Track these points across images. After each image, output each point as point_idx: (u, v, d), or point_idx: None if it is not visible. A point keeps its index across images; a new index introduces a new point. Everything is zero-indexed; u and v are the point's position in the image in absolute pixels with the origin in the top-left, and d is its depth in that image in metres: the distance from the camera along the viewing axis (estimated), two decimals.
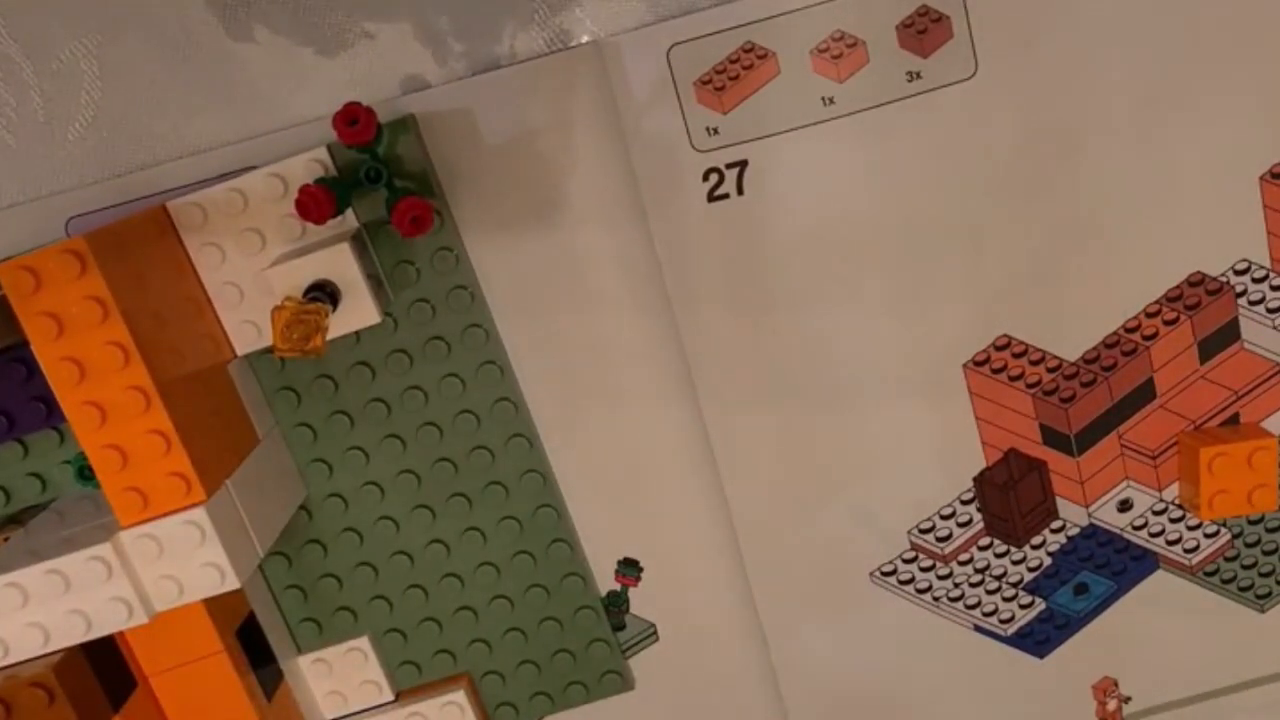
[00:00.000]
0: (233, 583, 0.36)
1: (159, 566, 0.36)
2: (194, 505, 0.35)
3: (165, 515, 0.35)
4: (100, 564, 0.35)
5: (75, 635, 0.36)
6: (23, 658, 0.36)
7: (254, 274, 0.39)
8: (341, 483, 0.42)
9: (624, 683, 0.44)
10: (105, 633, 0.36)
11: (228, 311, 0.39)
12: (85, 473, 0.38)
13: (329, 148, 0.38)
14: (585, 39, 0.38)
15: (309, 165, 0.38)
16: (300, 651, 0.44)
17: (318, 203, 0.36)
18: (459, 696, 0.43)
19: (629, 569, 0.43)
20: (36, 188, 0.40)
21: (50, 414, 0.39)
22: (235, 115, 0.39)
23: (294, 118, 0.39)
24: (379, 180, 0.38)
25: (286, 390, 0.41)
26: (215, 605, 0.38)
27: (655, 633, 0.44)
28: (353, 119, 0.35)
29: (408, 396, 0.41)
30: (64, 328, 0.34)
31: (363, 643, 0.43)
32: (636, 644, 0.44)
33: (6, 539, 0.40)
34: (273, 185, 0.38)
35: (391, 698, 0.44)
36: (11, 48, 0.39)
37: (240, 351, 0.40)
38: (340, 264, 0.37)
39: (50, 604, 0.35)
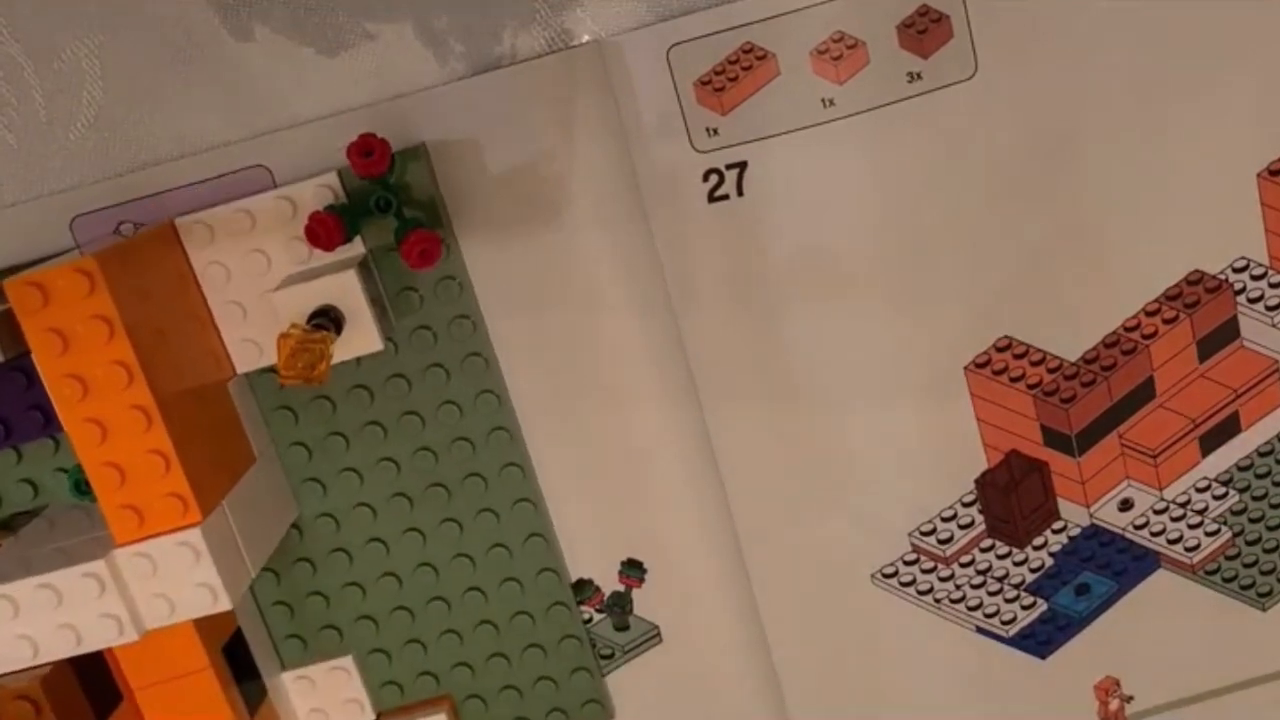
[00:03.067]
0: (225, 604, 0.36)
1: (151, 585, 0.36)
2: (190, 526, 0.35)
3: (160, 535, 0.35)
4: (93, 580, 0.35)
5: (64, 649, 0.36)
6: (10, 669, 0.36)
7: (258, 294, 0.39)
8: (334, 503, 0.42)
9: (604, 712, 0.45)
10: (94, 648, 0.36)
11: (230, 330, 0.39)
12: (81, 487, 0.38)
13: (339, 173, 0.38)
14: (586, 39, 0.39)
15: (319, 191, 0.38)
16: (284, 668, 0.44)
17: (328, 230, 0.36)
18: (440, 719, 0.43)
19: (632, 570, 0.43)
20: (38, 187, 0.40)
21: (48, 423, 0.39)
22: (236, 115, 0.39)
23: (294, 117, 0.39)
24: (389, 210, 0.38)
25: (284, 409, 0.41)
26: (203, 622, 0.38)
27: (659, 634, 0.44)
28: (368, 150, 0.35)
29: (404, 421, 0.41)
30: (69, 345, 0.34)
31: (347, 662, 0.44)
32: (640, 645, 0.44)
33: None
34: (281, 208, 0.38)
35: (373, 718, 0.44)
36: (13, 48, 0.39)
37: (240, 370, 0.40)
38: (345, 291, 0.37)
39: (41, 617, 0.36)
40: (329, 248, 0.37)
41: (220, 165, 0.40)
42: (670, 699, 0.45)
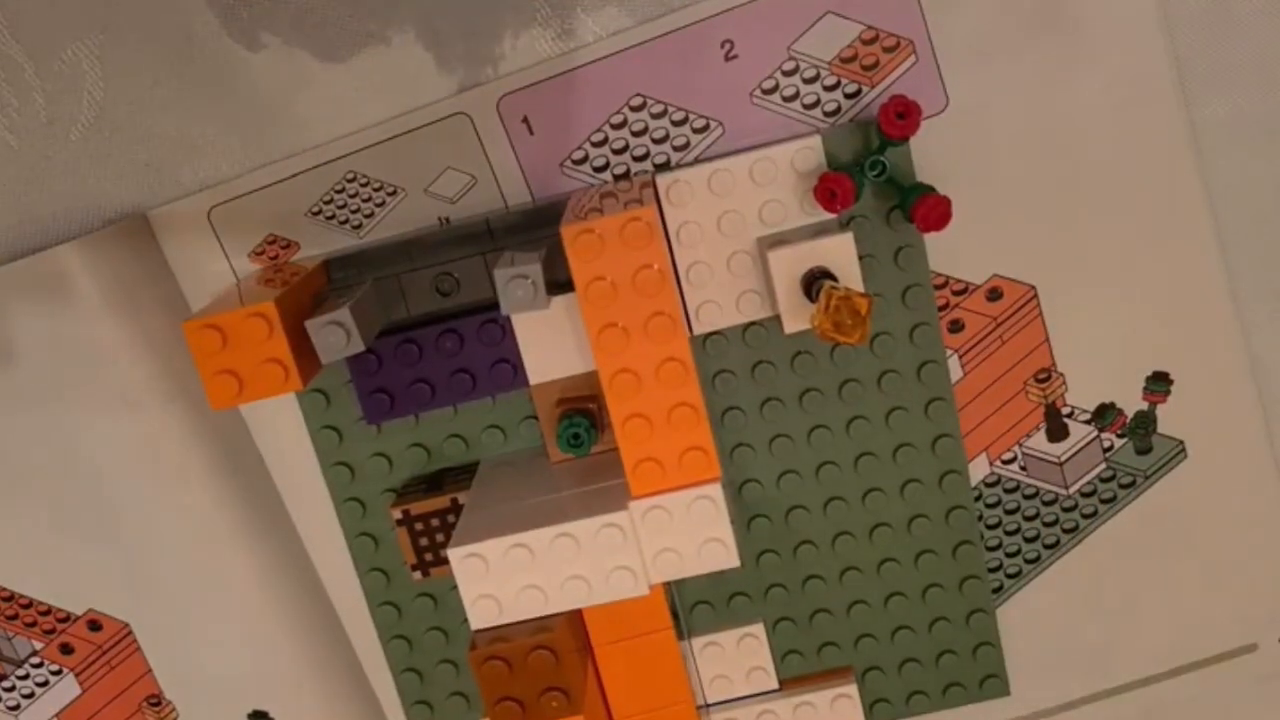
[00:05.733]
0: (734, 559, 0.36)
1: (663, 539, 0.36)
2: (710, 481, 0.35)
3: (680, 489, 0.35)
4: (615, 531, 0.35)
5: (575, 600, 0.36)
6: (517, 619, 0.36)
7: (726, 255, 0.39)
8: (762, 469, 0.42)
9: (1004, 687, 0.45)
10: (606, 600, 0.36)
11: (694, 291, 0.39)
12: (575, 440, 0.38)
13: (822, 137, 0.38)
14: (590, 39, 0.39)
15: (802, 153, 0.38)
16: (690, 635, 0.44)
17: (844, 191, 0.36)
18: (850, 689, 0.43)
19: (1157, 385, 0.42)
20: (39, 188, 0.40)
21: (515, 376, 0.40)
22: (237, 116, 0.40)
23: (296, 118, 0.39)
24: (881, 175, 0.38)
25: (725, 373, 0.41)
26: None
27: (1184, 450, 0.43)
28: (902, 112, 0.35)
29: (846, 389, 0.41)
30: (617, 291, 0.34)
31: (758, 629, 0.44)
32: (1162, 466, 0.43)
33: (453, 499, 0.40)
34: (762, 169, 0.38)
35: (776, 686, 0.44)
36: (14, 48, 0.39)
37: (698, 331, 0.40)
38: (841, 254, 0.37)
39: (555, 568, 0.36)
40: (844, 208, 0.37)
41: (224, 167, 0.40)
42: (1191, 517, 0.44)
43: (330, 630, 0.44)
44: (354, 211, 0.40)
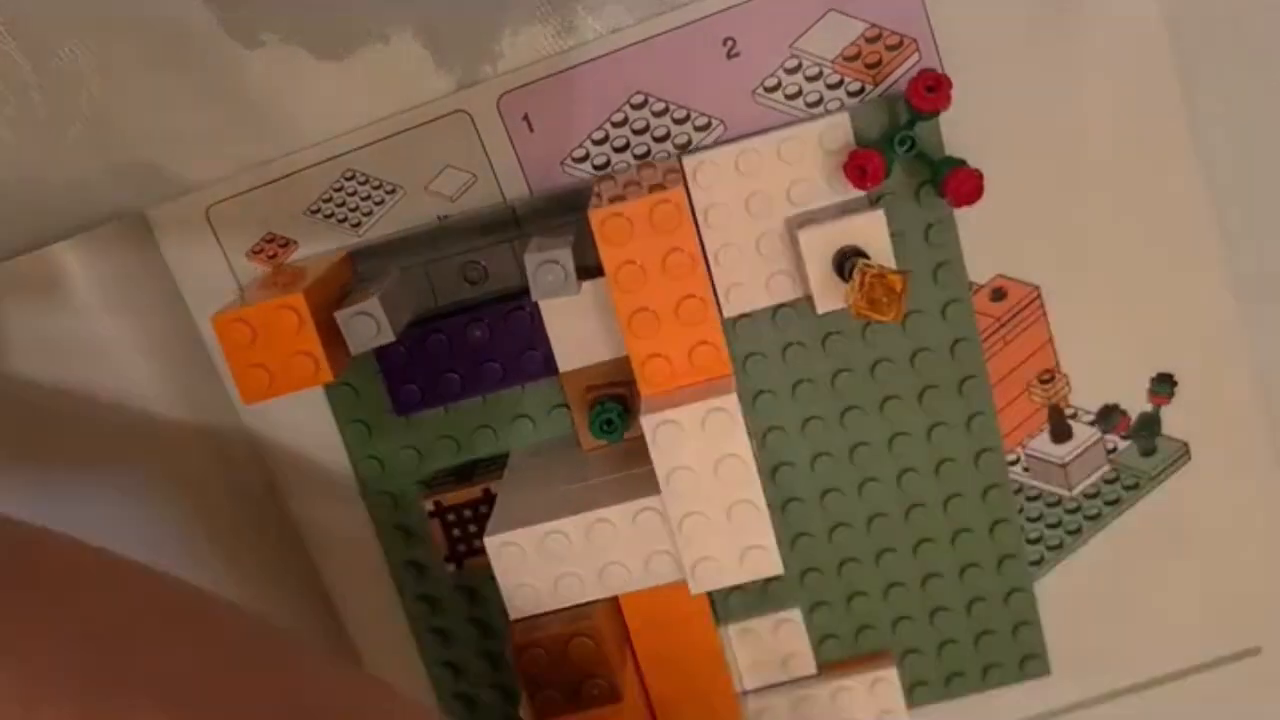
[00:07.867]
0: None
1: None
2: None
3: None
4: (653, 515, 0.35)
5: (615, 587, 0.36)
6: (556, 607, 0.36)
7: (755, 236, 0.39)
8: (794, 452, 0.42)
9: (1044, 666, 0.44)
10: (646, 586, 0.36)
11: (723, 273, 0.39)
12: (608, 426, 0.38)
13: (850, 114, 0.38)
14: (590, 36, 0.38)
15: (829, 131, 0.38)
16: (725, 621, 0.43)
17: (875, 167, 0.36)
18: (890, 674, 0.43)
19: (1162, 387, 0.42)
20: (36, 186, 0.40)
21: (547, 365, 0.39)
22: (235, 113, 0.39)
23: (293, 115, 0.39)
24: (910, 150, 0.37)
25: (756, 356, 0.41)
26: None
27: (1188, 452, 0.43)
28: (931, 85, 0.35)
29: (879, 368, 0.41)
30: (647, 276, 0.34)
31: (794, 614, 0.43)
32: (1167, 468, 0.43)
33: (485, 489, 0.40)
34: (789, 149, 0.38)
35: (814, 671, 0.44)
36: (10, 45, 0.38)
37: (727, 314, 0.40)
38: (872, 231, 0.37)
39: (593, 554, 0.35)
40: (874, 185, 0.36)
41: (223, 165, 0.39)
42: (1199, 520, 0.43)
43: (331, 634, 0.44)
44: (353, 210, 0.40)
